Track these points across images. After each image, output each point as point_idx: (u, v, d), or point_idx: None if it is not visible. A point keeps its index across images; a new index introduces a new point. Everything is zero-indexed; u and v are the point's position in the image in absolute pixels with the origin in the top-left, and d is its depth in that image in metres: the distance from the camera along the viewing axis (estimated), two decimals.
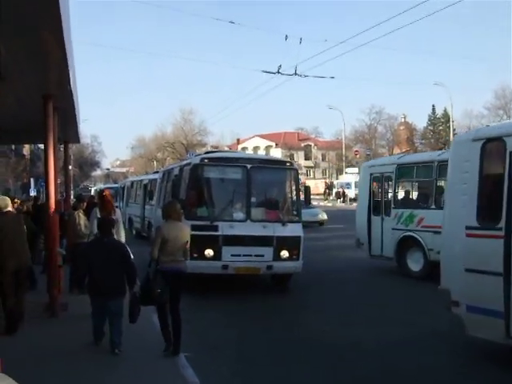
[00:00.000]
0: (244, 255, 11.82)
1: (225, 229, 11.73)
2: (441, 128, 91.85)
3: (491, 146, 7.33)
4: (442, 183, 13.53)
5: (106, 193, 10.59)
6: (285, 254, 12.02)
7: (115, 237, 9.44)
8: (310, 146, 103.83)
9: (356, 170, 74.88)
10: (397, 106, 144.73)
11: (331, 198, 67.15)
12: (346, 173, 73.11)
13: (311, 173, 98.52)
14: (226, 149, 58.92)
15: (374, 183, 16.18)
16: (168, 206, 8.12)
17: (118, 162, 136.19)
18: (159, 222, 8.70)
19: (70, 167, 47.92)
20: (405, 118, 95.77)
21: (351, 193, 64.26)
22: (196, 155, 15.57)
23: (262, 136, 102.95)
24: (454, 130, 63.12)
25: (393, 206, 15.19)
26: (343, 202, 61.16)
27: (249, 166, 12.28)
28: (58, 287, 10.01)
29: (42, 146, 13.84)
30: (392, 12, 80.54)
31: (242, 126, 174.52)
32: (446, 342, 8.59)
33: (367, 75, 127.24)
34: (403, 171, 15.36)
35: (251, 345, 8.56)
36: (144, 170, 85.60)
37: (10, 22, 5.73)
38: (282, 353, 8.17)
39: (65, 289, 11.04)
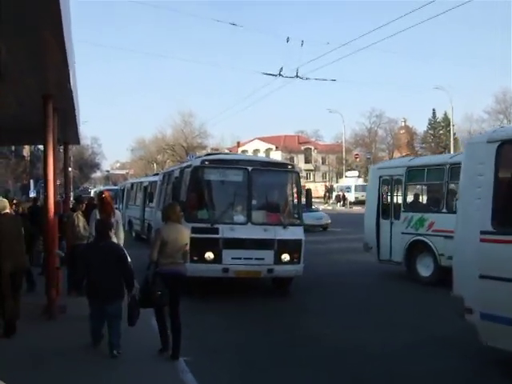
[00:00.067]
0: (245, 258, 11.72)
1: (225, 231, 11.64)
2: (441, 132, 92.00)
3: (507, 147, 7.10)
4: (453, 186, 13.28)
5: (106, 194, 10.50)
6: (286, 257, 11.93)
7: (115, 238, 9.40)
8: (310, 149, 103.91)
9: (356, 173, 75.11)
10: (397, 110, 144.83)
11: (331, 201, 67.07)
12: (345, 176, 73.17)
13: (311, 176, 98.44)
14: (226, 151, 58.79)
15: (383, 186, 15.88)
16: (168, 208, 8.06)
17: (118, 164, 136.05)
18: (159, 224, 8.63)
19: (70, 169, 47.83)
20: (405, 121, 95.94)
21: (351, 196, 64.32)
22: (196, 157, 15.48)
23: (263, 139, 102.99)
24: (454, 134, 63.00)
25: (402, 209, 14.87)
26: (343, 205, 61.15)
27: (250, 168, 12.19)
28: (57, 289, 9.91)
29: (41, 147, 13.75)
30: (393, 15, 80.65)
31: (243, 128, 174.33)
32: (455, 347, 8.44)
33: (368, 78, 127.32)
34: (414, 174, 15.04)
35: (251, 348, 8.48)
36: (144, 172, 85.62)
37: (10, 22, 5.67)
38: (282, 356, 8.10)
39: (63, 291, 10.95)
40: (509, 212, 7.04)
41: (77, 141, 19.09)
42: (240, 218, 12.05)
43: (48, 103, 9.31)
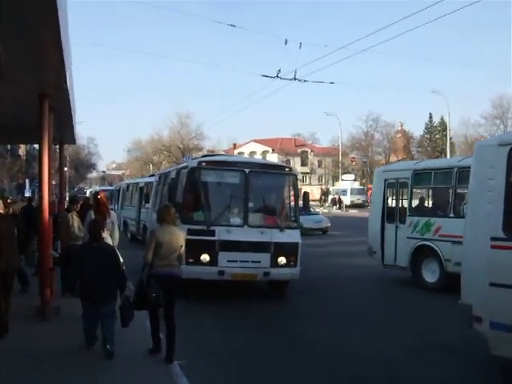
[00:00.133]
0: (241, 261, 11.64)
1: (221, 234, 11.55)
2: (437, 136, 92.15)
3: None
4: (461, 190, 13.13)
5: (101, 195, 10.41)
6: (282, 260, 11.85)
7: (110, 239, 9.32)
8: (307, 152, 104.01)
9: (352, 176, 75.25)
10: (394, 114, 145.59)
11: (327, 204, 67.08)
12: (342, 179, 73.23)
13: (307, 179, 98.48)
14: (223, 153, 58.82)
15: (389, 189, 15.59)
16: (162, 209, 7.99)
17: (114, 165, 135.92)
18: (154, 225, 8.55)
19: (66, 169, 47.73)
20: (402, 125, 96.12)
21: (347, 200, 64.37)
22: (193, 158, 15.40)
23: (259, 141, 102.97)
24: (450, 138, 63.11)
25: (408, 213, 14.59)
26: (339, 208, 61.15)
27: (247, 170, 12.10)
28: (51, 290, 9.81)
29: (37, 146, 13.68)
30: (391, 19, 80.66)
31: (239, 130, 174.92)
32: (458, 355, 8.30)
33: (365, 82, 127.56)
34: (420, 177, 14.75)
35: (248, 351, 8.41)
36: (140, 172, 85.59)
37: (8, 22, 5.62)
38: (279, 359, 8.04)
39: (57, 292, 10.84)
40: None
41: (73, 140, 19.02)
42: (236, 220, 11.97)
43: (44, 102, 9.22)
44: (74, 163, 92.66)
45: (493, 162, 7.05)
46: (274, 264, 11.80)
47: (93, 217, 9.59)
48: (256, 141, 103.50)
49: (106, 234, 9.15)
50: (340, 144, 75.71)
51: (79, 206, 12.53)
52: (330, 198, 68.69)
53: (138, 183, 26.94)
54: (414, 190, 15.01)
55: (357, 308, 11.88)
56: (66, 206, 14.64)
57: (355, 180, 75.32)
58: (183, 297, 8.79)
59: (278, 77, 25.74)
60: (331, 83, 31.37)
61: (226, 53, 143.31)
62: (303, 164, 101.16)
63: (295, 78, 25.93)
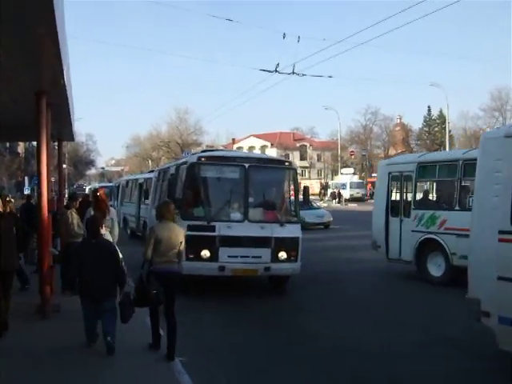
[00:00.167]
0: (241, 256, 11.59)
1: (222, 229, 11.50)
2: (436, 129, 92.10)
3: None
4: (466, 183, 13.05)
5: (101, 192, 10.37)
6: (283, 255, 11.80)
7: (109, 236, 9.28)
8: (306, 146, 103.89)
9: (351, 170, 75.24)
10: (392, 107, 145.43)
11: (326, 198, 67.04)
12: (341, 173, 73.22)
13: (306, 173, 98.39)
14: (221, 148, 58.72)
15: (393, 182, 15.36)
16: (161, 206, 7.94)
17: (113, 161, 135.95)
18: (154, 221, 8.51)
19: (65, 166, 47.65)
20: (400, 118, 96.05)
21: (346, 193, 64.35)
22: (192, 154, 15.33)
23: (258, 136, 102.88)
24: (449, 131, 63.03)
25: (413, 206, 14.41)
26: (338, 202, 61.14)
27: (247, 165, 12.04)
28: (51, 288, 9.76)
29: (36, 143, 13.62)
30: (389, 12, 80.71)
31: (238, 125, 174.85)
32: (463, 349, 8.21)
33: (363, 75, 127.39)
34: (424, 170, 14.57)
35: (249, 347, 8.39)
36: (139, 169, 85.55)
37: (4, 20, 5.58)
38: (280, 355, 8.00)
39: (57, 289, 10.80)
40: None
41: (71, 137, 18.94)
42: (237, 215, 11.91)
43: (41, 99, 9.16)
44: (73, 160, 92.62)
45: (499, 154, 6.94)
46: (275, 259, 11.76)
47: (92, 214, 9.56)
48: (255, 135, 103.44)
49: (105, 231, 9.11)
50: (339, 138, 75.61)
51: (78, 203, 12.48)
52: (330, 191, 68.67)
53: (137, 179, 26.86)
54: (419, 182, 14.86)
55: (360, 302, 11.82)
56: (65, 203, 14.59)
57: (354, 174, 75.34)
58: (183, 293, 8.75)
59: (276, 71, 25.62)
60: (330, 77, 31.31)
61: (224, 48, 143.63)
62: (302, 158, 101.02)
63: (294, 72, 25.84)
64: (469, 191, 13.03)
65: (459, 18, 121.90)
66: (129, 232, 25.76)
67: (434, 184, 15.76)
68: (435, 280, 13.57)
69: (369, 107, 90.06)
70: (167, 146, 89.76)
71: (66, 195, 26.35)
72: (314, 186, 74.57)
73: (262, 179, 12.66)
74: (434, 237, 13.57)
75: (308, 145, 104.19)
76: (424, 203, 14.80)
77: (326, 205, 55.57)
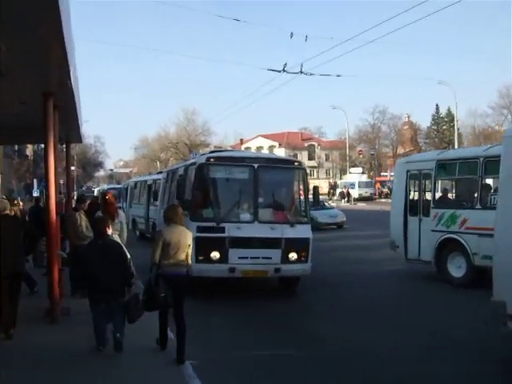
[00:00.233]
0: (251, 258, 11.50)
1: (231, 230, 11.40)
2: (444, 127, 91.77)
3: None
4: (488, 181, 12.79)
5: (109, 196, 10.30)
6: (293, 256, 11.69)
7: (118, 238, 9.21)
8: (314, 145, 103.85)
9: (360, 169, 75.02)
10: (400, 106, 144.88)
11: (335, 198, 66.85)
12: (349, 173, 73.03)
13: (315, 173, 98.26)
14: (230, 149, 58.68)
15: (411, 181, 15.00)
16: (169, 209, 7.91)
17: (122, 163, 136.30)
18: (163, 223, 8.43)
19: (73, 168, 47.76)
20: (408, 117, 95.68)
21: (355, 193, 64.16)
22: (201, 155, 15.26)
23: (266, 136, 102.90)
24: (458, 129, 62.73)
25: (432, 205, 14.04)
26: (347, 201, 60.94)
27: (256, 165, 11.94)
28: (60, 291, 9.69)
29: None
30: (396, 10, 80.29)
31: (246, 125, 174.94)
32: (482, 354, 7.91)
33: (371, 74, 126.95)
34: (444, 168, 14.23)
35: (259, 350, 8.24)
36: (147, 170, 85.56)
37: (9, 20, 5.50)
38: (289, 358, 7.90)
39: (67, 292, 10.74)
40: None
41: (79, 139, 18.89)
42: (246, 216, 11.82)
43: (48, 101, 9.09)
44: (82, 162, 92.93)
45: None
46: (285, 260, 11.66)
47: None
48: (263, 136, 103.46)
49: (114, 234, 9.05)
50: (347, 137, 75.48)
51: (87, 205, 12.41)
52: (338, 191, 68.49)
53: (145, 181, 26.83)
54: (438, 181, 14.57)
55: (374, 305, 11.57)
56: (73, 206, 14.52)
57: (363, 173, 75.09)
58: (191, 295, 8.67)
59: (284, 71, 25.54)
60: (338, 76, 31.21)
61: (231, 48, 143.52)
62: (310, 158, 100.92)
63: (301, 72, 25.71)
64: (490, 189, 12.83)
65: (468, 14, 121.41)
66: (138, 234, 25.73)
67: (454, 182, 15.41)
68: (455, 281, 13.25)
69: (377, 106, 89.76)
70: (175, 147, 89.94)
71: (75, 197, 26.33)
72: (323, 186, 74.38)
73: (271, 179, 12.56)
74: (455, 236, 13.21)
75: (316, 144, 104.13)
76: (444, 202, 14.45)
77: (334, 204, 55.41)
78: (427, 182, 14.62)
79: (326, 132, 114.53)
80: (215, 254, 11.30)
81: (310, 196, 13.33)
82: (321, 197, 22.92)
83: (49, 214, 9.48)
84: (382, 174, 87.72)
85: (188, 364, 7.08)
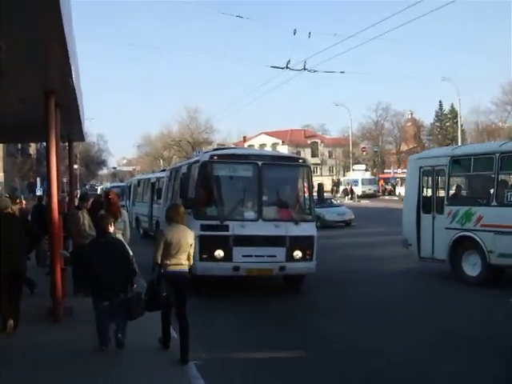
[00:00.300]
0: (256, 256, 11.41)
1: (236, 228, 11.32)
2: (448, 124, 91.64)
3: None
4: (504, 177, 12.55)
5: (112, 195, 10.25)
6: (298, 254, 11.60)
7: (122, 238, 9.14)
8: (317, 143, 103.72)
9: (363, 167, 74.85)
10: (403, 103, 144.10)
11: (338, 195, 66.71)
12: (353, 170, 72.86)
13: (318, 170, 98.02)
14: (233, 146, 58.61)
15: (424, 177, 14.63)
16: (170, 209, 7.85)
17: (125, 161, 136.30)
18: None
19: (76, 166, 47.76)
20: (412, 114, 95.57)
21: (358, 190, 64.04)
22: (204, 152, 15.17)
23: (269, 133, 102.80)
24: (461, 125, 62.50)
25: (446, 202, 13.68)
26: (351, 199, 60.84)
27: (260, 162, 11.85)
28: (62, 290, 9.62)
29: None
30: (397, 8, 79.90)
31: (249, 123, 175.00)
32: (493, 355, 7.65)
33: (374, 70, 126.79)
34: (458, 164, 13.91)
35: (263, 349, 8.17)
36: (150, 168, 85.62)
37: (10, 19, 5.43)
38: (295, 356, 7.84)
39: (70, 292, 10.65)
40: None
41: (82, 138, 18.80)
42: (250, 214, 11.73)
43: (50, 99, 9.02)
44: (85, 160, 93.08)
45: None
46: (290, 258, 11.57)
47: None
48: (266, 133, 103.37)
49: (118, 234, 9.00)
50: (350, 134, 75.24)
51: (90, 203, 12.33)
52: (342, 188, 68.39)
53: (149, 179, 26.73)
54: (452, 177, 14.20)
55: (383, 303, 11.38)
56: (76, 204, 14.44)
57: (366, 170, 74.93)
58: (195, 294, 8.59)
59: (287, 67, 25.48)
60: (342, 72, 31.24)
61: (233, 46, 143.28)
62: (313, 155, 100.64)
63: (305, 69, 25.66)
64: (507, 185, 12.62)
65: (471, 10, 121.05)
66: (141, 232, 25.65)
67: (469, 178, 14.85)
68: (470, 280, 12.91)
69: (380, 103, 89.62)
70: (178, 145, 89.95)
71: (78, 196, 26.27)
72: (327, 183, 74.31)
73: (275, 177, 12.47)
74: (470, 234, 12.86)
75: (319, 142, 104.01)
76: (458, 199, 14.09)
77: (338, 201, 55.29)
78: (441, 178, 14.33)
79: (329, 129, 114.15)
80: (219, 253, 11.21)
81: (315, 193, 13.19)
82: (325, 194, 22.81)
83: (51, 212, 9.41)
84: (385, 171, 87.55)
85: (192, 364, 7.00)
